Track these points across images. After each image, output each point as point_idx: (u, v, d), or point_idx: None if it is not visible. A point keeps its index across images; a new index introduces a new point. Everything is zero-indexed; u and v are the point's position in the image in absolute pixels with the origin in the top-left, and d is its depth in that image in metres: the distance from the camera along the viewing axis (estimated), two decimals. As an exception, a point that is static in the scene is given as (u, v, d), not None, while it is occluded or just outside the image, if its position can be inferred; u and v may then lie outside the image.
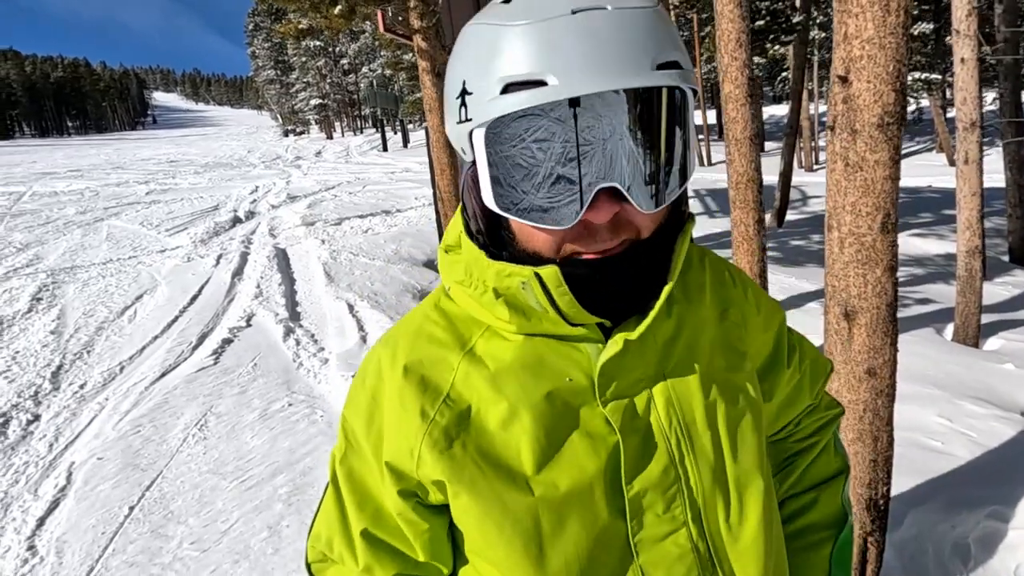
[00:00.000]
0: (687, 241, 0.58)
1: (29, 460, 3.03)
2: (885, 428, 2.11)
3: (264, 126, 64.64)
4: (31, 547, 2.41)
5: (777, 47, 9.38)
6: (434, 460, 0.55)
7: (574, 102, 0.45)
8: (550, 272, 0.51)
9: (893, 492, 2.75)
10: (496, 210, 0.51)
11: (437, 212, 5.75)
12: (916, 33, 15.47)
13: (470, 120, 0.49)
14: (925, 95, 17.83)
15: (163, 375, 3.93)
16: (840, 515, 0.75)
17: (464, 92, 0.49)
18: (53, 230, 9.15)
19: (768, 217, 9.79)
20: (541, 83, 0.45)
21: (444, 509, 0.59)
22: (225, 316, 5.06)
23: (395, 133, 29.76)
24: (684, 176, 0.51)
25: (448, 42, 5.46)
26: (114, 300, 5.60)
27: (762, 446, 0.62)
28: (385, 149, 26.23)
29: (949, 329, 4.88)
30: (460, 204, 0.62)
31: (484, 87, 0.48)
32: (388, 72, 29.74)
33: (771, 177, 11.83)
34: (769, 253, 7.58)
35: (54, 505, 2.66)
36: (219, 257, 7.06)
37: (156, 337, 4.63)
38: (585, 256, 0.52)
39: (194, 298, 5.55)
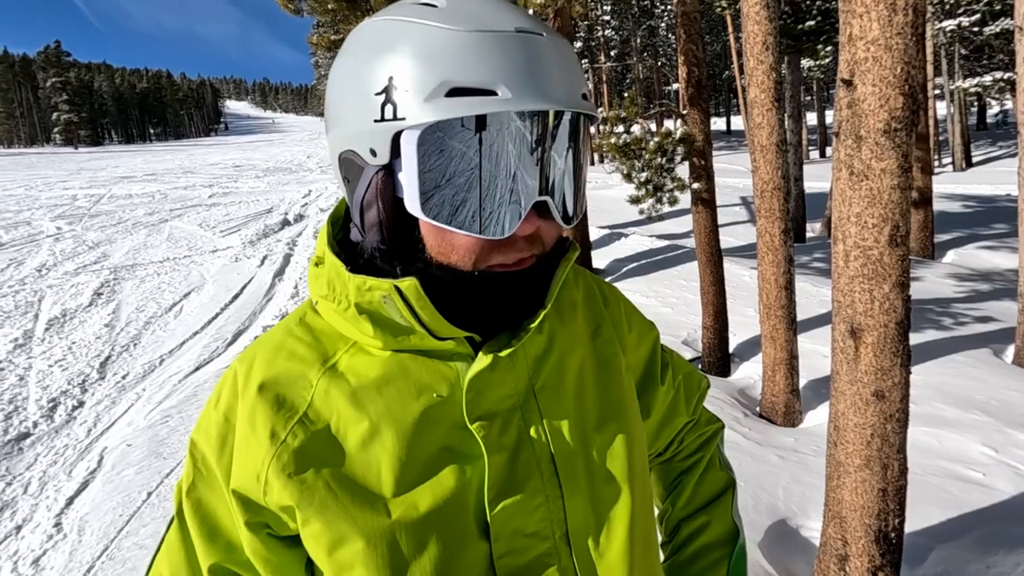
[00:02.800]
0: (568, 266, 0.58)
1: (68, 443, 3.27)
2: (896, 456, 1.96)
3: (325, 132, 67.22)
4: (57, 524, 2.59)
5: (829, 48, 8.94)
6: (282, 486, 0.52)
7: (521, 116, 0.47)
8: (409, 285, 0.50)
9: (919, 525, 2.56)
10: (423, 217, 0.49)
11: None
12: (999, 30, 14.37)
13: (401, 119, 0.46)
14: (1009, 96, 16.52)
15: (196, 369, 4.15)
16: (732, 531, 0.76)
17: (392, 89, 0.47)
18: (122, 230, 9.85)
19: (819, 226, 9.32)
20: (490, 92, 0.45)
21: (299, 541, 0.55)
22: (261, 315, 5.30)
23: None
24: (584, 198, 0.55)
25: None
26: (164, 297, 5.97)
27: (637, 462, 0.61)
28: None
29: (1010, 351, 4.49)
30: (332, 211, 0.61)
31: (422, 87, 0.46)
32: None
33: (826, 184, 11.26)
34: (816, 264, 7.21)
35: (83, 487, 2.86)
36: (264, 258, 7.40)
37: (196, 333, 4.89)
38: (499, 269, 0.51)
39: (235, 297, 5.84)
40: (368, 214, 0.53)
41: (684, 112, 4.11)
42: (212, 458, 0.56)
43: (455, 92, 0.45)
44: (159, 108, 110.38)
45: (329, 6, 4.84)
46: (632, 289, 5.78)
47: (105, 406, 3.70)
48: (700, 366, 4.24)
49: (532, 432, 0.55)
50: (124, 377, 4.11)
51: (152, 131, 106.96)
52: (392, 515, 0.51)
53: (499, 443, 0.54)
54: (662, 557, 0.78)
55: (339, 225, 0.60)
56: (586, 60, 26.09)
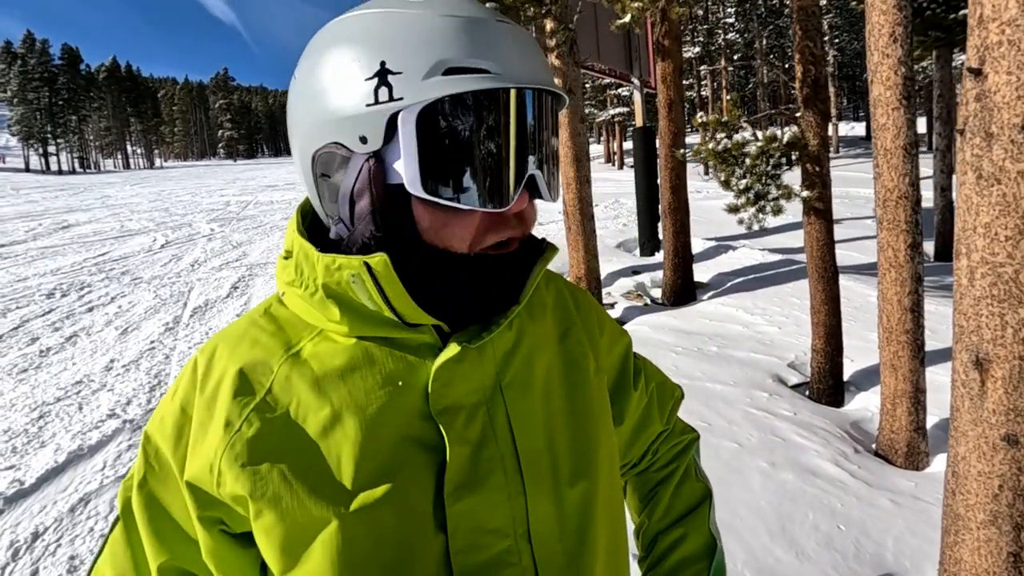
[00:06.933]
0: (545, 265, 0.59)
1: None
2: (1034, 515, 1.63)
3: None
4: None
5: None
6: (234, 476, 0.50)
7: (508, 93, 0.50)
8: (379, 260, 0.49)
9: (1075, 605, 2.10)
10: (422, 195, 0.49)
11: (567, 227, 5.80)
12: None
13: (398, 100, 0.48)
14: None
15: (305, 359, 4.54)
16: (710, 544, 0.74)
17: (385, 72, 0.48)
18: (261, 232, 11.08)
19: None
20: (483, 71, 0.48)
21: (254, 541, 0.53)
22: (366, 313, 5.68)
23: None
24: None
25: (579, 58, 5.50)
26: (287, 292, 6.61)
27: (604, 465, 0.60)
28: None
29: None
30: (300, 205, 0.61)
31: (417, 69, 0.47)
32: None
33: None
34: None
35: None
36: (375, 260, 7.94)
37: (308, 326, 5.36)
38: (493, 252, 0.54)
39: (346, 295, 6.32)
40: (360, 203, 0.52)
41: (797, 115, 3.79)
42: (167, 451, 0.54)
43: (450, 71, 0.48)
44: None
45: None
46: (735, 305, 5.40)
47: (228, 386, 4.16)
48: (807, 392, 3.85)
49: (497, 428, 0.54)
50: (246, 362, 4.60)
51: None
52: (349, 506, 0.50)
53: (463, 436, 0.52)
54: (638, 572, 0.75)
55: (309, 219, 0.60)
56: (704, 65, 24.96)
